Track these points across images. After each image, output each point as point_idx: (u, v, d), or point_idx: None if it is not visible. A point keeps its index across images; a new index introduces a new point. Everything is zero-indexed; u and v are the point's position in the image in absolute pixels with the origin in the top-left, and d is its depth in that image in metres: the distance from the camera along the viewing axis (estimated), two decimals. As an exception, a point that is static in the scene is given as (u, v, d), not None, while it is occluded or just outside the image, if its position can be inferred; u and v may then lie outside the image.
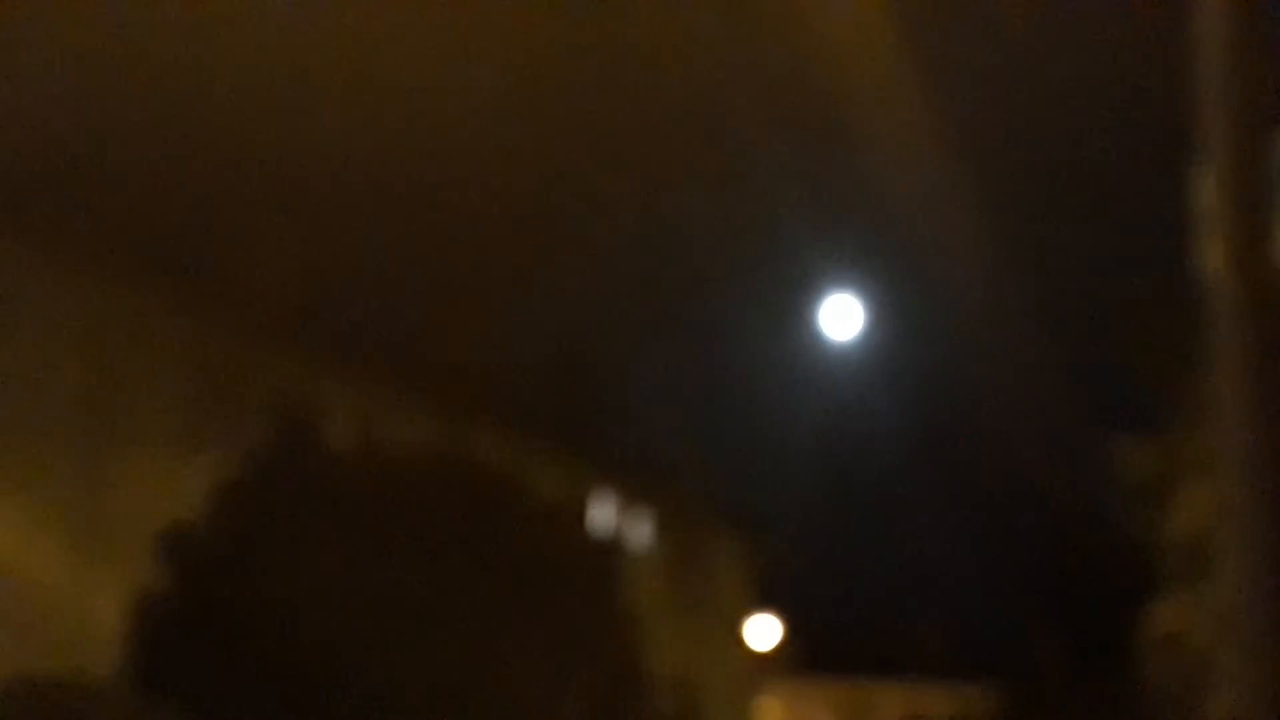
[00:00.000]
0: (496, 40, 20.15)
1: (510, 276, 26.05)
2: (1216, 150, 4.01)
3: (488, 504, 15.02)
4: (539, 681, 14.33)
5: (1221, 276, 3.94)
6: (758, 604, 35.14)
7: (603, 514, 27.60)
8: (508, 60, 20.63)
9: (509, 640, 14.15)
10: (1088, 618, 24.34)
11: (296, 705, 12.77)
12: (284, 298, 20.51)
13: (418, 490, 14.71)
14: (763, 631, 39.04)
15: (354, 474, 14.55)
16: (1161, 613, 14.75)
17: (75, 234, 18.34)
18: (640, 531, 29.56)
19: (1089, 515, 22.56)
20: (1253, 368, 3.76)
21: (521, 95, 21.41)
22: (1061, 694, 25.66)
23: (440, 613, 13.74)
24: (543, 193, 23.77)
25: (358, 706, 12.95)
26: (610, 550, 17.81)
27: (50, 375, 17.87)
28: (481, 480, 15.35)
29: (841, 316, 22.78)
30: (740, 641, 34.02)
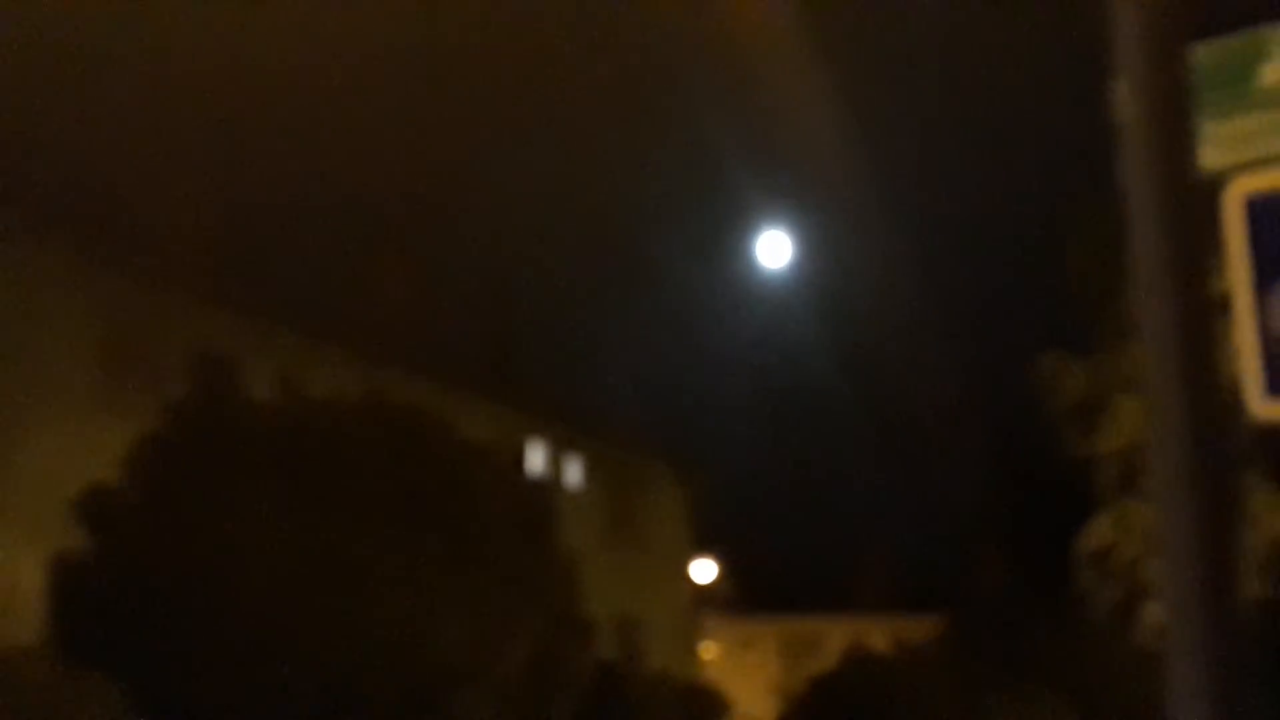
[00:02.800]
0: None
1: (436, 221, 25.88)
2: (1132, 61, 4.02)
3: (417, 451, 14.96)
4: (480, 629, 14.36)
5: (1141, 188, 3.96)
6: (698, 544, 35.42)
7: (537, 457, 27.64)
8: (432, 6, 20.39)
9: (446, 589, 14.15)
10: (1024, 537, 24.76)
11: (226, 666, 12.71)
12: (199, 247, 20.25)
13: (344, 440, 14.61)
14: (704, 571, 39.38)
15: (277, 425, 14.42)
16: (1094, 528, 15.05)
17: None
18: (576, 473, 29.64)
19: (1020, 436, 22.89)
20: (1172, 282, 3.80)
21: (450, 39, 21.19)
22: (1002, 615, 26.12)
23: (373, 564, 13.70)
24: (470, 136, 23.62)
25: (291, 665, 12.90)
26: (546, 493, 17.85)
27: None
28: (410, 428, 15.28)
29: (773, 250, 23.18)
30: (682, 581, 34.31)
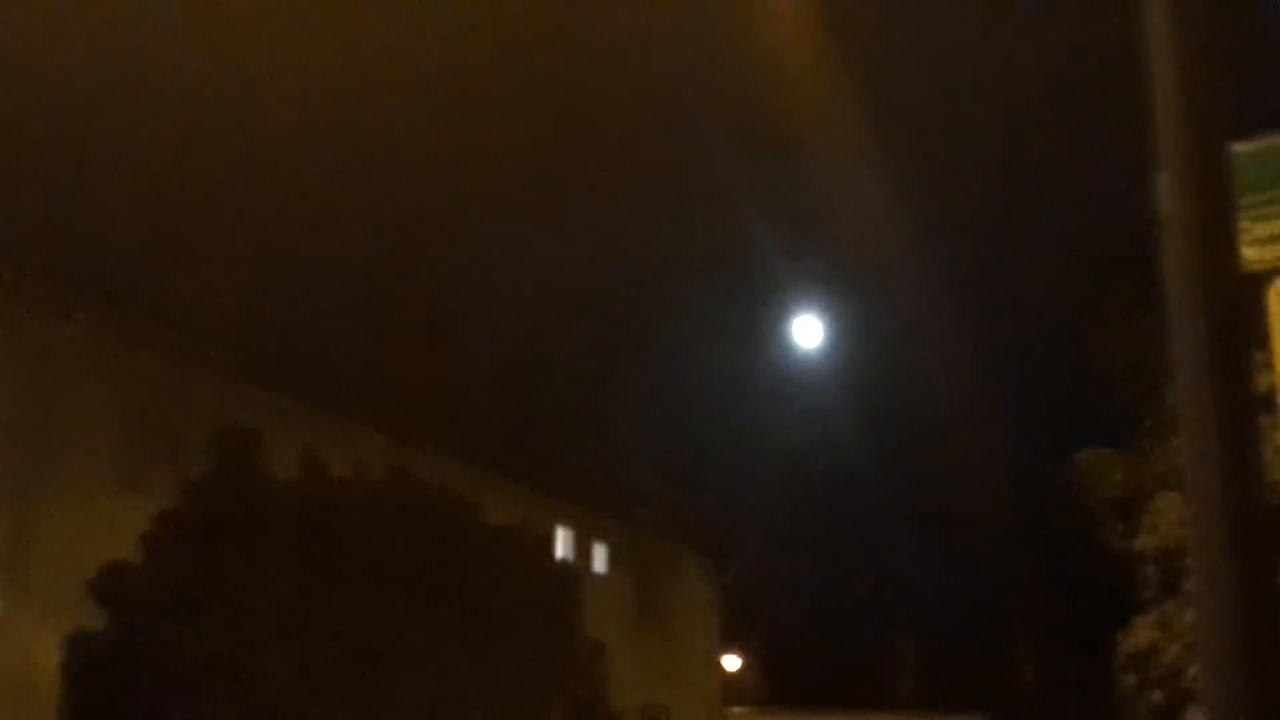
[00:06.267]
0: (445, 55, 20.22)
1: (465, 300, 26.07)
2: (1174, 156, 4.08)
3: (441, 533, 14.97)
4: (504, 716, 14.30)
5: (1182, 283, 4.00)
6: (727, 635, 35.17)
7: (565, 542, 27.58)
8: (457, 75, 20.68)
9: (469, 675, 14.11)
10: (1063, 636, 24.51)
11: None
12: (222, 325, 20.43)
13: (367, 519, 14.63)
14: (733, 663, 39.05)
15: (298, 504, 14.46)
16: (1134, 629, 14.89)
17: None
18: (604, 559, 29.54)
19: (1061, 532, 22.75)
20: (1213, 379, 3.83)
21: (471, 110, 21.46)
22: (1039, 716, 25.82)
23: (395, 647, 13.68)
24: (501, 215, 23.85)
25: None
26: (573, 578, 17.79)
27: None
28: (435, 508, 15.30)
29: (807, 334, 23.31)
30: (710, 672, 34.03)
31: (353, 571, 13.91)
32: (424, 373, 24.11)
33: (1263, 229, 4.71)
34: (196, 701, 12.88)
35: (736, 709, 38.10)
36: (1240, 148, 4.49)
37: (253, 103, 19.93)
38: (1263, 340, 4.46)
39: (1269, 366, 4.57)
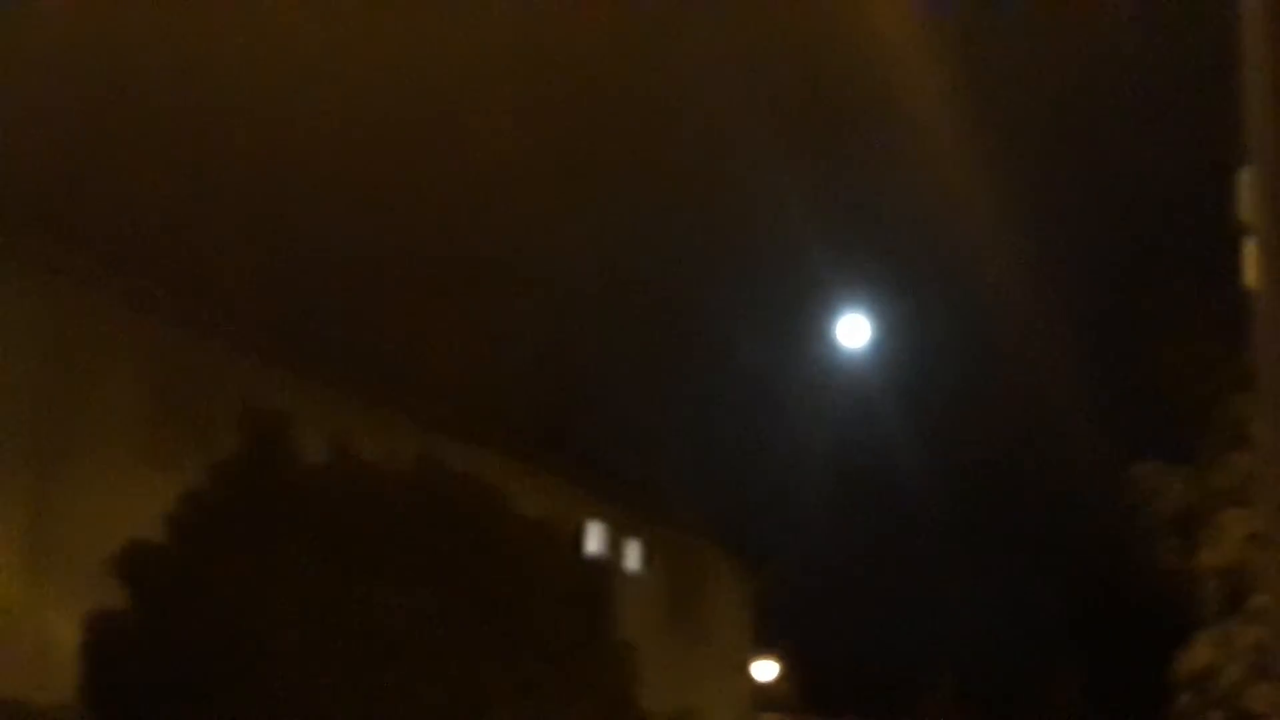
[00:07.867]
0: (484, 44, 20.22)
1: (500, 287, 26.10)
2: (1264, 154, 3.98)
3: (472, 523, 14.95)
4: (531, 716, 14.28)
5: (1268, 291, 3.91)
6: (760, 639, 35.10)
7: (597, 537, 27.57)
8: (495, 63, 20.70)
9: (497, 671, 14.10)
10: (1112, 655, 24.34)
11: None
12: (255, 305, 20.50)
13: (396, 507, 14.65)
14: (765, 669, 38.99)
15: (327, 488, 14.49)
16: (1193, 649, 14.77)
17: (30, 233, 18.30)
18: (636, 557, 29.52)
19: (1116, 546, 22.59)
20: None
21: (514, 99, 21.46)
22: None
23: (421, 640, 13.69)
24: (538, 202, 23.83)
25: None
26: (605, 575, 17.75)
27: (1, 384, 17.81)
28: (465, 497, 15.28)
29: (852, 333, 23.26)
30: (742, 678, 33.98)
31: (378, 560, 13.92)
32: (458, 362, 24.15)
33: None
34: (215, 685, 12.93)
35: (768, 715, 38.06)
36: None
37: (291, 83, 20.01)
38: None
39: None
